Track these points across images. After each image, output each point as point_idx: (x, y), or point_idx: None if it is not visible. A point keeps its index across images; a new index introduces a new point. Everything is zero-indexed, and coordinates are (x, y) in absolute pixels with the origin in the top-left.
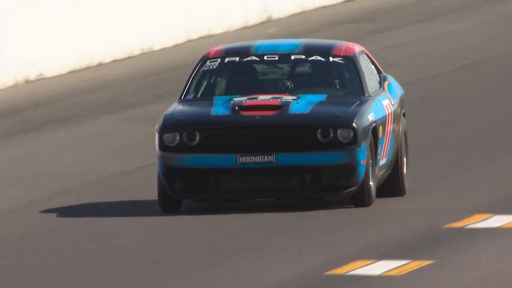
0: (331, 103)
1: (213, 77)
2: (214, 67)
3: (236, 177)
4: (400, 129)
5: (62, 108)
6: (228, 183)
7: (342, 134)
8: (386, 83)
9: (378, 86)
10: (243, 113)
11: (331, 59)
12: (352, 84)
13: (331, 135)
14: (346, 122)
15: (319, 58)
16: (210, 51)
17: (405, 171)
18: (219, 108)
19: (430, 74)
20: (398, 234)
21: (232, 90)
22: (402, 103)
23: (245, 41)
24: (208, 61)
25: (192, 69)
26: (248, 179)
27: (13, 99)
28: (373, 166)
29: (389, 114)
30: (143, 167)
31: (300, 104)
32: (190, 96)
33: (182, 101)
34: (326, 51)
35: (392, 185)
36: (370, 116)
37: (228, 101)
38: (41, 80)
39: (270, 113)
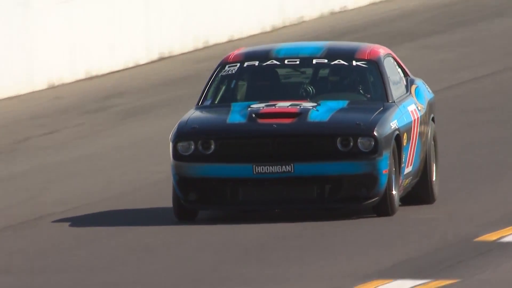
0: (353, 110)
1: (232, 83)
2: (233, 72)
3: (252, 187)
4: (429, 135)
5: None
6: (245, 194)
7: (362, 143)
8: (413, 87)
9: (404, 91)
10: (260, 120)
11: (354, 63)
12: (376, 90)
13: (351, 144)
14: (366, 131)
15: (342, 62)
16: (230, 55)
17: (434, 178)
18: (235, 116)
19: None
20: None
21: (250, 96)
22: (431, 107)
23: (267, 44)
24: (227, 66)
25: (211, 74)
26: (265, 190)
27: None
28: (396, 175)
29: (415, 120)
30: None
31: (320, 111)
32: (208, 103)
33: (198, 107)
34: (349, 54)
35: (420, 193)
36: (393, 123)
37: (246, 108)
38: (344, 12)
39: (288, 121)
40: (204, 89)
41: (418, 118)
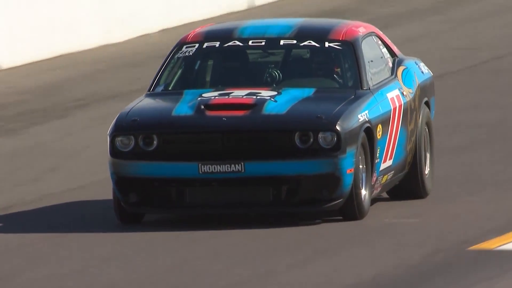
0: (317, 99)
1: (188, 66)
2: (191, 53)
3: (199, 189)
4: (419, 122)
5: None
6: (191, 196)
7: (324, 139)
8: (400, 69)
9: (387, 74)
10: (209, 113)
11: (326, 44)
12: (349, 75)
13: (311, 140)
14: (328, 125)
15: (313, 43)
16: (189, 34)
17: (427, 170)
18: (182, 107)
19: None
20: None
21: (206, 82)
22: (423, 90)
23: (234, 21)
24: (184, 46)
25: (167, 55)
26: (213, 192)
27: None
28: (367, 173)
29: (395, 108)
30: None
31: (279, 102)
32: (159, 89)
33: (149, 94)
34: (321, 35)
35: (410, 186)
36: (362, 115)
37: (197, 97)
38: None
39: (240, 113)
40: (157, 73)
41: (401, 105)
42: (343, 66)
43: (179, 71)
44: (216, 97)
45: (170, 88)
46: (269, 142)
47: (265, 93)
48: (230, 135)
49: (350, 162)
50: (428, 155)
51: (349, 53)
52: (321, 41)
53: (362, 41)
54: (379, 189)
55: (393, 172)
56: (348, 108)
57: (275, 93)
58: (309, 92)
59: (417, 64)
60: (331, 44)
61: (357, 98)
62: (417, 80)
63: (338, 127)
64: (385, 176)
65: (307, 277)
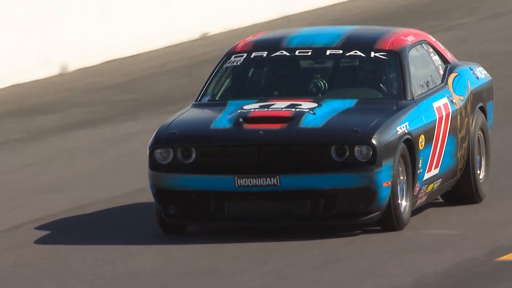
0: (357, 111)
1: (235, 76)
2: (238, 63)
3: (236, 202)
4: (472, 128)
5: None
6: (230, 208)
7: (360, 152)
8: (452, 76)
9: (436, 82)
10: (247, 126)
11: (372, 54)
12: (393, 85)
13: (347, 153)
14: (364, 138)
15: (359, 53)
16: (238, 44)
17: (482, 175)
18: (222, 119)
19: None
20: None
21: (252, 92)
22: (477, 96)
23: (286, 30)
24: (233, 56)
25: (215, 65)
26: (250, 205)
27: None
28: (408, 183)
29: (441, 117)
30: None
31: (317, 114)
32: (206, 99)
33: (195, 105)
34: (368, 44)
35: (463, 192)
36: (401, 127)
37: (238, 109)
38: None
39: (277, 126)
40: (205, 83)
41: (449, 113)
42: (388, 76)
43: (227, 81)
44: (256, 110)
45: (217, 98)
46: (304, 155)
47: (305, 105)
48: (265, 149)
49: (387, 175)
50: (483, 161)
51: (394, 63)
52: (367, 51)
53: (409, 50)
54: (424, 198)
55: (440, 180)
56: (387, 120)
57: (316, 105)
58: (350, 103)
59: (472, 70)
60: (377, 54)
61: (399, 109)
62: (470, 87)
63: (374, 141)
64: (431, 185)
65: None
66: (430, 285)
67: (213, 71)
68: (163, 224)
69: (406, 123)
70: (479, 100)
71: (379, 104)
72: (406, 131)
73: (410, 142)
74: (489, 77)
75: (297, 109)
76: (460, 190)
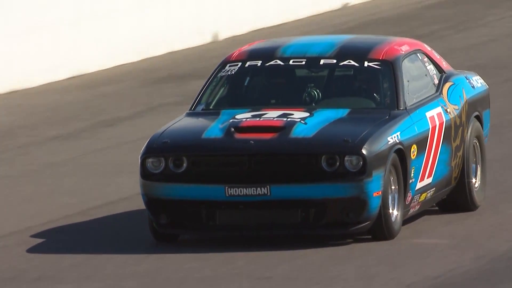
0: (349, 121)
1: (229, 85)
2: (233, 72)
3: (227, 211)
4: (468, 137)
5: None
6: (221, 218)
7: (350, 162)
8: (446, 86)
9: (431, 92)
10: (238, 135)
11: (366, 64)
12: (386, 95)
13: (338, 163)
14: (354, 149)
15: (352, 62)
16: (234, 53)
17: (477, 183)
18: (214, 129)
19: None
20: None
21: (246, 101)
22: (472, 105)
23: (282, 38)
24: (228, 65)
25: (210, 74)
26: (241, 214)
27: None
28: (400, 193)
29: (435, 127)
30: None
31: (309, 124)
32: (200, 108)
33: (189, 113)
34: (362, 54)
35: (458, 200)
36: (392, 137)
37: (230, 118)
38: None
39: (268, 136)
40: (199, 92)
41: (442, 123)
42: (381, 86)
43: (221, 90)
44: (248, 119)
45: (211, 107)
46: (295, 165)
47: (297, 115)
48: (256, 158)
49: (377, 185)
50: (479, 169)
51: (388, 72)
52: (360, 60)
53: (403, 59)
54: (417, 207)
55: (434, 189)
56: (378, 130)
57: (308, 114)
58: (342, 113)
59: (468, 79)
60: (370, 64)
61: (391, 119)
62: (465, 96)
63: (364, 151)
64: (424, 194)
65: None
66: None
67: (208, 80)
68: (156, 233)
69: (398, 133)
70: (474, 109)
71: (371, 114)
72: (398, 141)
73: (401, 152)
74: (485, 86)
75: (289, 119)
76: (455, 198)
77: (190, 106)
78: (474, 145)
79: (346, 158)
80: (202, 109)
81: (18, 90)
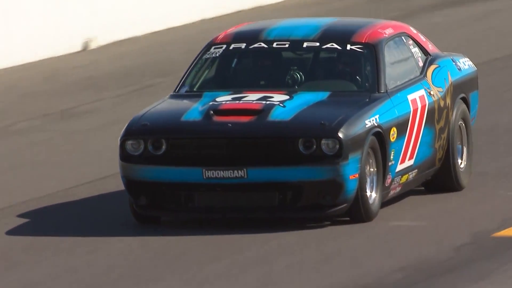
0: (328, 104)
1: (213, 67)
2: (217, 54)
3: (206, 193)
4: (452, 118)
5: None
6: (199, 200)
7: (326, 145)
8: (431, 68)
9: (414, 75)
10: (217, 118)
11: (348, 47)
12: (367, 78)
13: (314, 146)
14: (331, 132)
15: (335, 45)
16: (219, 35)
17: (463, 164)
18: (193, 112)
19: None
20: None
21: (228, 83)
22: (458, 87)
23: (267, 21)
24: (213, 47)
25: (196, 56)
26: (219, 196)
27: None
28: (378, 175)
29: (416, 109)
30: None
31: (287, 107)
32: (184, 90)
33: (172, 95)
34: (345, 37)
35: (443, 181)
36: (370, 120)
37: (211, 101)
38: None
39: (246, 119)
40: (184, 74)
41: (425, 105)
42: (363, 69)
43: (205, 73)
44: (227, 102)
45: (195, 89)
46: (272, 148)
47: (277, 98)
48: (233, 141)
49: (353, 168)
50: (465, 150)
51: (370, 56)
52: (343, 43)
53: (386, 43)
54: (398, 188)
55: (416, 170)
56: (356, 113)
57: (287, 97)
58: (323, 96)
59: (454, 61)
60: (353, 47)
61: (371, 102)
62: (450, 78)
63: (340, 134)
64: (405, 176)
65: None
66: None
67: (193, 62)
68: (137, 214)
69: (376, 116)
70: (460, 91)
71: (351, 97)
72: (376, 124)
73: (380, 135)
74: (473, 68)
75: (268, 102)
76: (440, 179)
77: (174, 88)
78: (460, 127)
79: (322, 142)
80: (186, 91)
81: None
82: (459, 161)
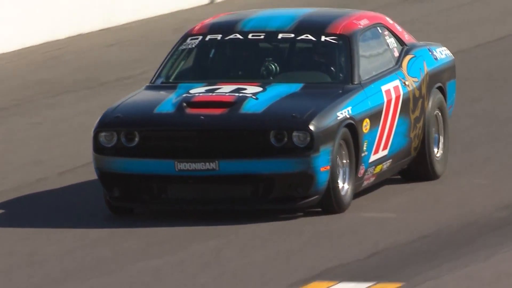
0: (301, 96)
1: (189, 58)
2: (193, 46)
3: (178, 185)
4: (428, 108)
5: None
6: (172, 192)
7: (298, 138)
8: (407, 59)
9: (389, 65)
10: (189, 111)
11: (323, 38)
12: (341, 69)
13: (286, 139)
14: (301, 124)
15: (310, 37)
16: (195, 26)
17: (439, 153)
18: (167, 104)
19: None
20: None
21: (203, 75)
22: (435, 77)
23: (244, 12)
24: (189, 38)
25: (171, 48)
26: (191, 188)
27: None
28: (351, 166)
29: (390, 100)
30: None
31: (260, 99)
32: (159, 81)
33: (148, 87)
34: (319, 28)
35: (419, 170)
36: (342, 112)
37: (184, 93)
38: None
39: (218, 111)
40: (160, 65)
41: (399, 96)
42: (337, 61)
43: (181, 64)
44: (200, 94)
45: (171, 80)
46: (244, 141)
47: (250, 90)
48: (205, 134)
49: (325, 160)
50: (441, 139)
51: (344, 47)
52: (317, 35)
53: (361, 34)
54: (372, 179)
55: (390, 160)
56: (328, 105)
57: (260, 89)
58: (296, 87)
59: (430, 51)
60: (327, 38)
61: (344, 93)
62: (426, 68)
63: (311, 127)
64: (380, 166)
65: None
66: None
67: (169, 53)
68: (111, 205)
69: (349, 108)
70: (436, 80)
71: (324, 89)
72: (348, 116)
73: (352, 126)
74: (451, 57)
75: (240, 94)
76: (416, 168)
77: (150, 79)
78: (436, 116)
79: (294, 134)
80: (162, 82)
81: None
82: (435, 150)
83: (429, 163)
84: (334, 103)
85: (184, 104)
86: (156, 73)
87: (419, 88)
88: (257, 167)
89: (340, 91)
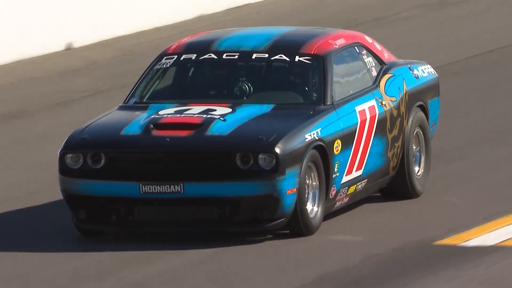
0: (270, 117)
1: (163, 78)
2: (168, 65)
3: (145, 207)
4: (408, 127)
5: None
6: (139, 214)
7: (264, 160)
8: (385, 78)
9: (366, 85)
10: (156, 132)
11: (297, 58)
12: (314, 90)
13: (251, 161)
14: (267, 147)
15: (284, 57)
16: (171, 46)
17: (420, 172)
18: (134, 125)
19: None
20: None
21: (176, 95)
22: (415, 95)
23: (220, 31)
24: (164, 58)
25: (147, 67)
26: (159, 210)
27: None
28: (321, 188)
29: (364, 120)
30: None
31: (228, 121)
32: (132, 101)
33: (121, 107)
34: (294, 49)
35: (399, 188)
36: (311, 134)
37: (153, 114)
38: None
39: (185, 133)
40: (134, 84)
41: (375, 115)
42: (310, 81)
43: (155, 84)
44: (168, 116)
45: (144, 100)
46: (209, 163)
47: (219, 111)
48: (171, 156)
49: (291, 183)
50: (422, 157)
51: (317, 67)
52: (291, 55)
53: (336, 54)
54: (345, 199)
55: (366, 180)
56: (296, 127)
57: (230, 110)
58: (266, 108)
59: (411, 69)
60: (301, 59)
61: (314, 115)
62: (405, 87)
63: (277, 149)
64: (353, 186)
65: None
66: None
67: (144, 72)
68: (79, 227)
69: (318, 130)
70: (417, 99)
71: (295, 110)
72: (317, 138)
73: (322, 148)
74: (434, 75)
75: (208, 116)
76: (396, 186)
77: (123, 99)
78: (417, 134)
79: (259, 156)
80: (134, 102)
81: None
82: (416, 168)
83: (409, 181)
84: (303, 125)
85: (151, 126)
86: (129, 93)
87: (397, 107)
88: (222, 189)
89: (311, 112)
